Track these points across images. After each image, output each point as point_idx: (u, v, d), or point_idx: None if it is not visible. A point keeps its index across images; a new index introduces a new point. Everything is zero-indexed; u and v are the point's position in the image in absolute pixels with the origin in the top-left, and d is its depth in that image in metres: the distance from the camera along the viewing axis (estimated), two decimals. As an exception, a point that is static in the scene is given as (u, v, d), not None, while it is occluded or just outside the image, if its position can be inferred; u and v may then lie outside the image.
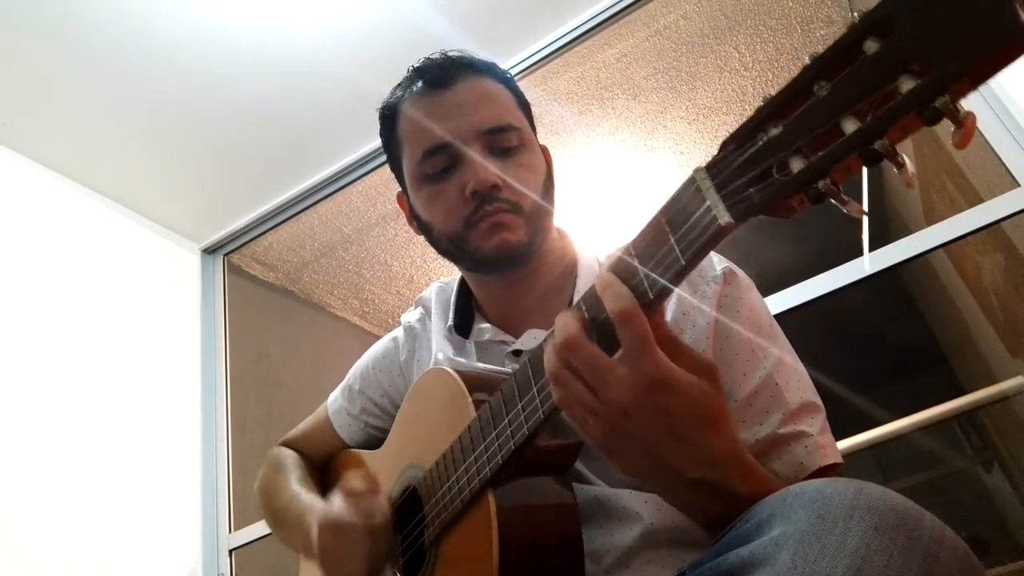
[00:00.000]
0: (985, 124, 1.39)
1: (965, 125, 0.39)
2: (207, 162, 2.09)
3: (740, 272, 0.81)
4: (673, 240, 0.50)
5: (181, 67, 1.81)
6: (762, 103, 0.45)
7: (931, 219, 2.08)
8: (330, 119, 2.02)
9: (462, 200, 0.81)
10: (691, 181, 0.49)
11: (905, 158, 0.41)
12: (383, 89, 0.91)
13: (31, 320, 1.73)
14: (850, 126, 0.41)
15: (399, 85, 0.89)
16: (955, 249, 1.98)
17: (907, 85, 0.39)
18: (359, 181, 2.20)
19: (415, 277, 2.63)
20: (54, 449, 1.65)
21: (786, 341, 0.78)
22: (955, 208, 1.70)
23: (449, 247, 0.85)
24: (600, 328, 0.55)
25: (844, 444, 1.75)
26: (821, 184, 0.43)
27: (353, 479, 0.84)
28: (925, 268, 2.53)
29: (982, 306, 2.06)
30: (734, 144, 0.47)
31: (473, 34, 1.86)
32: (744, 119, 0.46)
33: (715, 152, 0.48)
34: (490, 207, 0.79)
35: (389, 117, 0.89)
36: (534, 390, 0.62)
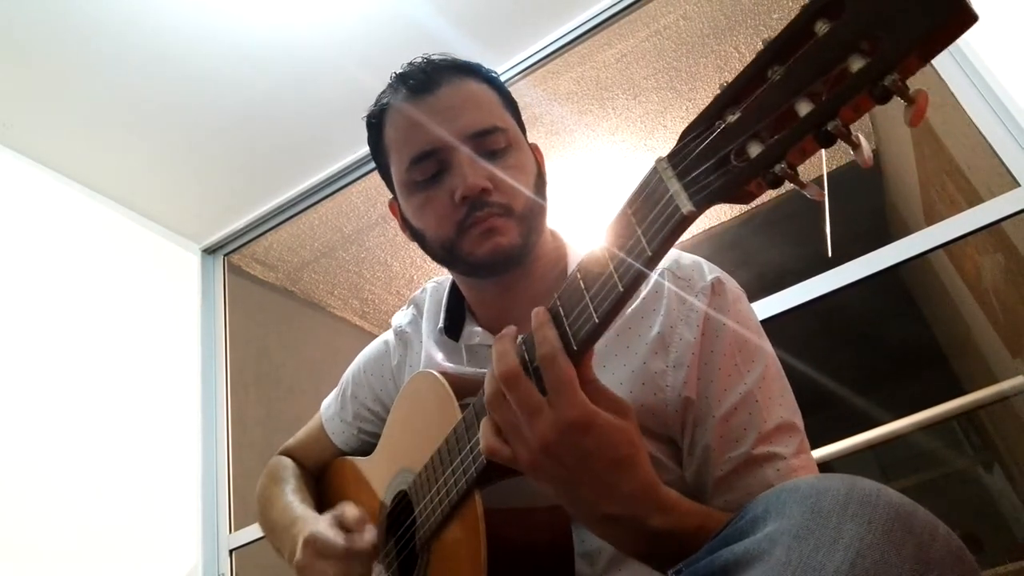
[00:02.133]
0: (985, 124, 1.39)
1: (916, 102, 0.39)
2: (207, 162, 2.09)
3: (730, 282, 0.80)
4: (639, 231, 0.50)
5: (181, 67, 1.81)
6: (719, 90, 0.46)
7: (931, 219, 2.08)
8: (330, 119, 2.02)
9: (452, 206, 0.80)
10: (654, 171, 0.50)
11: (861, 138, 0.41)
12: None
13: (31, 320, 1.73)
14: (804, 108, 0.41)
15: (384, 92, 0.88)
16: (955, 249, 1.98)
17: (857, 64, 0.39)
18: (359, 181, 2.20)
19: (415, 277, 2.63)
20: (54, 449, 1.65)
21: (772, 354, 0.78)
22: (955, 208, 1.70)
23: (442, 253, 0.85)
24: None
25: (844, 444, 1.75)
26: (778, 168, 0.43)
27: (348, 500, 0.84)
28: (925, 268, 2.53)
29: (982, 306, 2.06)
30: (694, 132, 0.47)
31: (473, 34, 1.86)
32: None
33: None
34: (481, 212, 0.79)
35: (375, 125, 0.88)
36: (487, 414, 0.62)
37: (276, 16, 1.74)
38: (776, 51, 0.43)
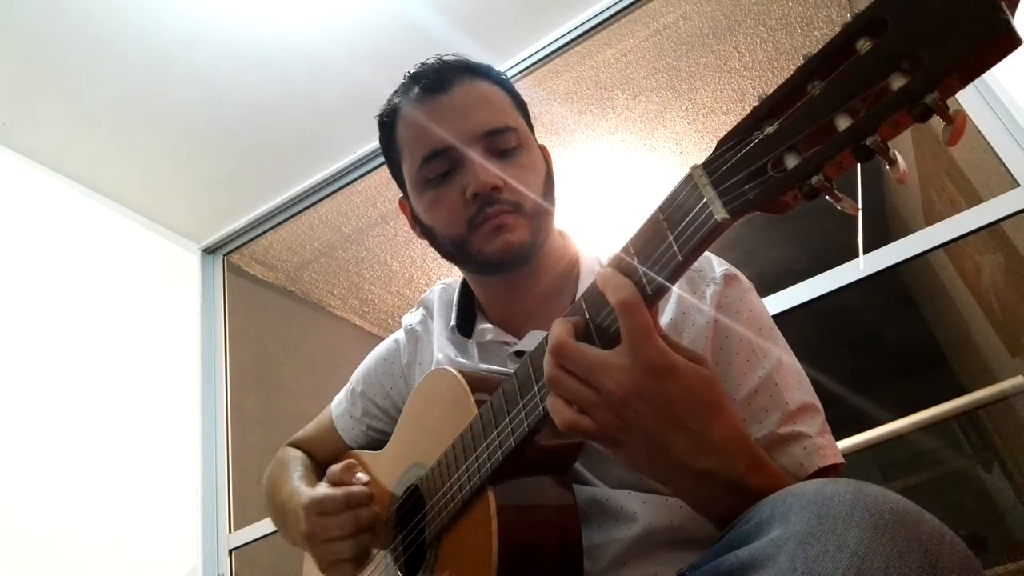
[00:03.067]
0: (985, 124, 1.39)
1: (955, 122, 0.39)
2: (207, 162, 2.09)
3: (740, 275, 0.82)
4: (671, 237, 0.51)
5: (181, 67, 1.81)
6: (758, 102, 0.46)
7: (931, 219, 2.08)
8: (330, 119, 2.02)
9: (463, 203, 0.81)
10: (688, 178, 0.50)
11: (897, 155, 0.42)
12: (383, 89, 0.91)
13: (31, 320, 1.73)
14: (843, 123, 0.42)
15: (396, 91, 0.89)
16: (955, 249, 1.98)
17: (898, 82, 0.40)
18: (359, 181, 2.20)
19: (415, 277, 2.63)
20: (54, 449, 1.65)
21: (785, 344, 0.79)
22: (955, 208, 1.70)
23: (452, 250, 0.86)
24: (600, 325, 0.56)
25: (844, 444, 1.75)
26: (815, 180, 0.43)
27: (336, 465, 0.85)
28: (925, 268, 2.52)
29: (982, 306, 2.06)
30: (731, 142, 0.48)
31: (473, 34, 1.86)
32: (741, 118, 0.47)
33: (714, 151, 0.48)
34: (492, 209, 0.80)
35: (388, 123, 0.89)
36: (535, 388, 0.62)
37: (276, 16, 1.74)
38: (816, 66, 0.43)
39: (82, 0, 1.62)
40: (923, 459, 3.04)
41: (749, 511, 0.51)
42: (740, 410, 0.71)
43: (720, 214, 0.47)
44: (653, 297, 0.52)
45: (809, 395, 0.74)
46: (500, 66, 1.97)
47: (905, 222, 2.58)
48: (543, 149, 0.92)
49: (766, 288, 1.48)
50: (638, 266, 0.53)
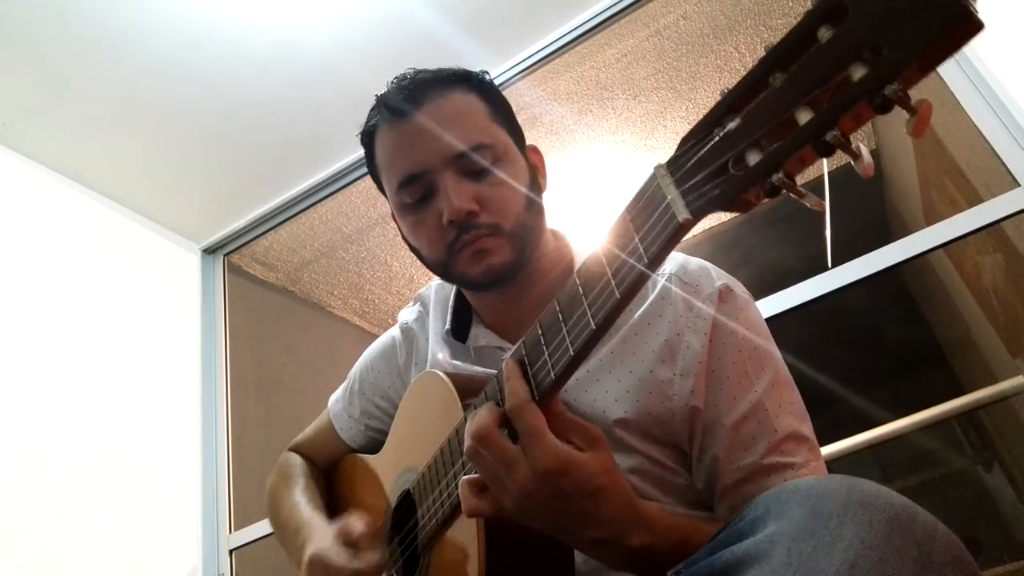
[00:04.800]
0: (985, 124, 1.39)
1: (919, 112, 0.38)
2: (207, 162, 2.09)
3: (738, 287, 0.80)
4: (637, 238, 0.50)
5: (182, 67, 1.81)
6: (720, 96, 0.45)
7: (931, 219, 2.08)
8: (330, 119, 2.02)
9: (441, 228, 0.79)
10: (652, 178, 0.49)
11: (862, 148, 0.40)
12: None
13: (31, 320, 1.73)
14: (803, 117, 0.40)
15: (371, 112, 0.87)
16: (955, 249, 1.98)
17: (858, 73, 0.38)
18: (359, 181, 2.20)
19: (415, 277, 2.63)
20: (54, 449, 1.65)
21: (780, 361, 0.78)
22: (955, 208, 1.70)
23: (439, 271, 0.85)
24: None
25: (844, 444, 1.75)
26: (775, 178, 0.42)
27: (357, 498, 0.84)
28: (925, 268, 2.52)
29: (982, 306, 2.05)
30: (694, 139, 0.46)
31: (473, 34, 1.86)
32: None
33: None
34: (469, 235, 0.78)
35: (367, 145, 0.88)
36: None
37: (276, 16, 1.74)
38: (778, 57, 0.42)
39: (83, 1, 1.62)
40: (923, 459, 3.04)
41: (744, 508, 0.51)
42: (729, 435, 0.72)
43: (682, 215, 0.45)
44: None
45: (798, 421, 0.73)
46: (500, 66, 1.97)
47: (905, 222, 2.58)
48: (532, 149, 0.89)
49: (766, 288, 1.48)
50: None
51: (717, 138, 0.45)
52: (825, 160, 0.42)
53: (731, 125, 0.44)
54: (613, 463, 0.60)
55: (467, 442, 0.61)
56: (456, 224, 0.78)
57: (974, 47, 1.42)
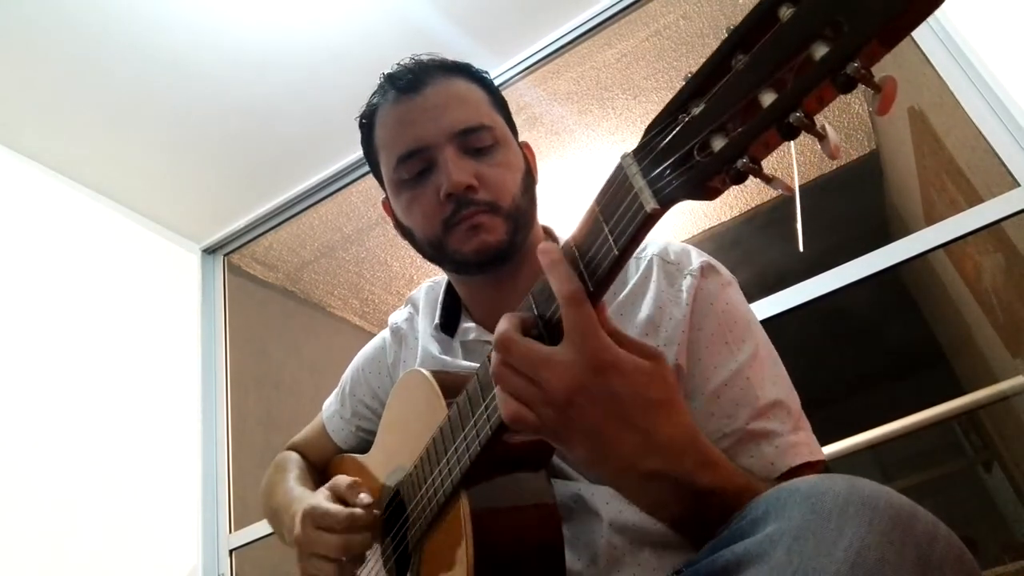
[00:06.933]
0: (985, 124, 1.39)
1: (884, 89, 0.37)
2: (207, 162, 2.09)
3: (721, 268, 0.81)
4: (607, 230, 0.49)
5: (182, 68, 1.81)
6: (684, 81, 0.43)
7: (931, 219, 2.08)
8: (330, 119, 2.02)
9: (438, 203, 0.80)
10: (619, 168, 0.48)
11: (828, 128, 0.39)
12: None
13: (31, 320, 1.73)
14: (767, 99, 0.39)
15: (373, 93, 0.89)
16: (955, 249, 1.98)
17: (820, 52, 0.37)
18: (359, 181, 2.20)
19: (415, 277, 2.63)
20: (54, 449, 1.65)
21: (766, 339, 0.78)
22: (955, 208, 1.70)
23: (430, 251, 0.85)
24: (547, 319, 0.54)
25: (844, 444, 1.75)
26: (740, 163, 0.40)
27: (342, 477, 0.84)
28: (925, 268, 2.52)
29: (982, 306, 2.05)
30: (659, 126, 0.45)
31: (473, 34, 1.86)
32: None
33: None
34: (466, 210, 0.79)
35: (366, 126, 0.89)
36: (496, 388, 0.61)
37: (276, 17, 1.74)
38: (741, 37, 0.40)
39: (83, 2, 1.62)
40: (923, 459, 3.04)
41: (744, 508, 0.50)
42: (709, 403, 0.70)
43: (650, 205, 0.44)
44: (596, 292, 0.51)
45: (784, 391, 0.73)
46: (500, 66, 1.97)
47: (905, 222, 2.58)
48: (525, 146, 0.91)
49: (766, 288, 1.48)
50: (578, 260, 0.51)
51: (681, 124, 0.43)
52: (792, 143, 0.40)
53: (695, 110, 0.43)
54: (676, 382, 0.53)
55: (493, 358, 0.54)
56: (454, 198, 0.79)
57: (973, 46, 1.42)
